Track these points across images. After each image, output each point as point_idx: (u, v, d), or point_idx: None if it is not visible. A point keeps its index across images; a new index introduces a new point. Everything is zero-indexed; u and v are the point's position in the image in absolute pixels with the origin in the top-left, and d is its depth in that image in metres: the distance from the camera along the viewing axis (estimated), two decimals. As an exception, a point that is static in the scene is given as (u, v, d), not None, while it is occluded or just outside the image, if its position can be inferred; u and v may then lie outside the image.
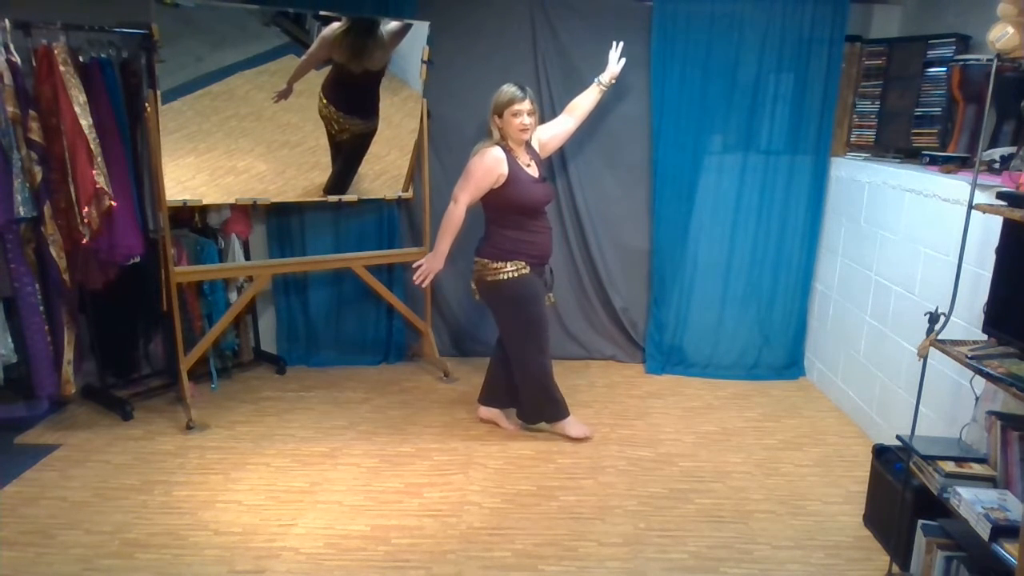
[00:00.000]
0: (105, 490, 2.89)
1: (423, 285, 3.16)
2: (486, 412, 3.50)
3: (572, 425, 3.35)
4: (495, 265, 3.11)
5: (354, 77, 3.61)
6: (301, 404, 3.73)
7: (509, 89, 3.04)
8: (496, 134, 3.09)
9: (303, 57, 3.48)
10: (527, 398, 3.35)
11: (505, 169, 3.02)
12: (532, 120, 3.08)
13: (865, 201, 3.53)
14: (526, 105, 3.03)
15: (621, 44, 3.46)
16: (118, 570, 2.41)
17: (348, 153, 3.78)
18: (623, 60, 3.45)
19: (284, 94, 3.50)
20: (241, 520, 2.70)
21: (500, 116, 3.06)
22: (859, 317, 3.54)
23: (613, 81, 3.46)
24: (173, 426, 3.43)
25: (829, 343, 3.92)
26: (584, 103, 3.43)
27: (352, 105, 3.67)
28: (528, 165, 3.13)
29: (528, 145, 3.20)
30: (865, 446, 3.16)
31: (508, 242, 3.11)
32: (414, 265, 3.14)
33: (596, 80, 3.43)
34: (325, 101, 3.61)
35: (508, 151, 3.07)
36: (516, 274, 3.10)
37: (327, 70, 3.56)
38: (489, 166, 3.02)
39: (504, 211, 3.11)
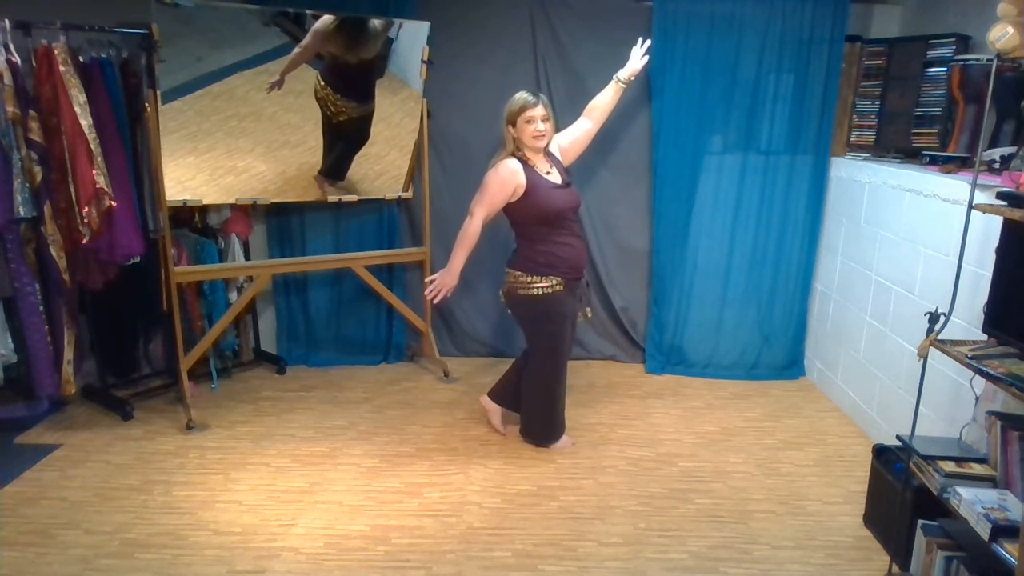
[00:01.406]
0: (105, 490, 2.89)
1: (435, 302, 3.05)
2: (487, 402, 3.42)
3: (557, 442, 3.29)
4: (528, 279, 3.02)
5: (350, 65, 3.60)
6: (301, 404, 3.73)
7: (520, 96, 2.96)
8: (511, 144, 2.99)
9: (296, 49, 3.45)
10: (526, 412, 3.30)
11: (522, 179, 2.94)
12: (547, 126, 2.97)
13: (865, 201, 3.53)
14: (539, 111, 2.93)
15: (648, 42, 3.32)
16: (118, 570, 2.41)
17: (350, 135, 3.77)
18: (646, 58, 3.32)
19: (277, 84, 3.47)
20: (241, 520, 2.70)
21: (514, 125, 2.96)
22: (859, 317, 3.54)
23: (632, 77, 3.29)
24: (173, 426, 3.43)
25: (829, 343, 3.92)
26: (601, 102, 3.27)
27: (349, 89, 3.66)
28: (548, 172, 3.03)
29: (548, 152, 3.10)
30: (865, 446, 3.16)
31: (540, 255, 3.01)
32: (426, 280, 3.05)
33: (614, 77, 3.27)
34: (323, 83, 3.59)
35: (525, 161, 2.99)
36: (550, 290, 3.01)
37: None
38: (504, 178, 2.94)
39: (529, 223, 3.01)
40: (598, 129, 3.33)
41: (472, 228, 2.98)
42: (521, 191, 2.95)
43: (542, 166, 3.04)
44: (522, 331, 3.29)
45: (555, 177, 3.05)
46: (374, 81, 3.72)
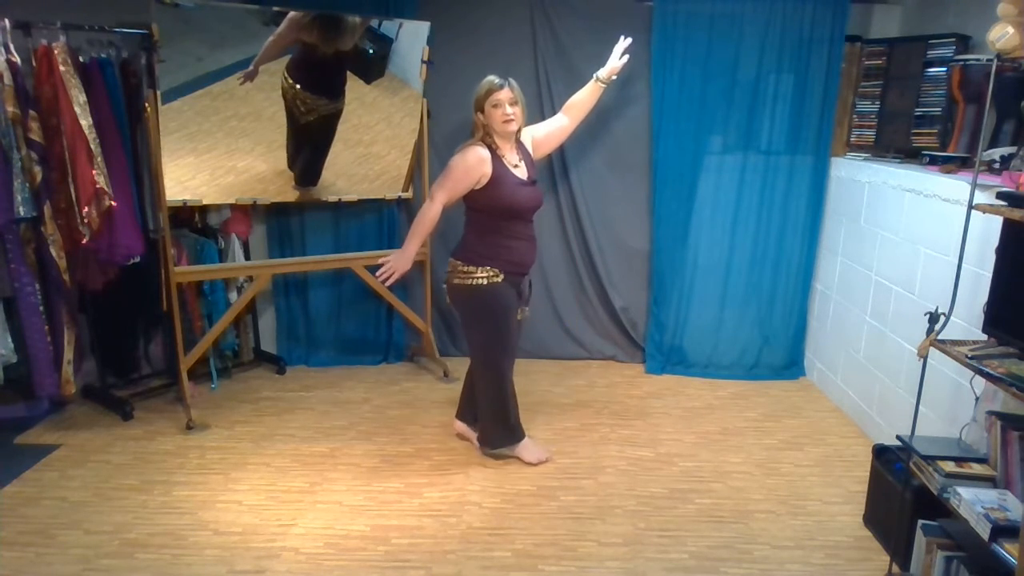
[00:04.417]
0: (105, 490, 2.89)
1: (387, 283, 2.88)
2: (460, 427, 3.33)
3: (525, 449, 3.15)
4: (467, 268, 2.91)
5: (324, 57, 3.54)
6: (301, 404, 3.73)
7: (487, 80, 2.85)
8: (480, 132, 2.88)
9: (271, 38, 3.39)
10: (482, 417, 3.16)
11: (488, 169, 2.82)
12: (515, 110, 2.84)
13: (865, 201, 3.53)
14: (505, 94, 2.82)
15: (629, 40, 3.24)
16: (118, 570, 2.41)
17: (317, 137, 3.70)
18: (626, 57, 3.23)
19: (250, 75, 3.41)
20: (241, 520, 2.70)
21: (482, 111, 2.85)
22: (859, 317, 3.54)
23: (613, 77, 3.20)
24: (173, 426, 3.43)
25: (829, 343, 3.92)
26: (580, 100, 3.18)
27: (319, 85, 3.59)
28: (516, 166, 2.92)
29: (520, 145, 3.00)
30: (865, 446, 3.16)
31: (485, 246, 2.91)
32: (380, 260, 2.90)
33: (595, 76, 3.18)
34: (291, 81, 3.51)
35: (495, 150, 2.88)
36: (487, 281, 2.90)
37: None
38: (471, 164, 2.82)
39: (486, 213, 2.90)
40: (575, 126, 3.24)
41: (431, 212, 2.85)
42: (485, 180, 2.83)
43: (511, 157, 2.92)
44: (462, 326, 3.18)
45: (522, 172, 2.93)
46: (345, 77, 3.66)
